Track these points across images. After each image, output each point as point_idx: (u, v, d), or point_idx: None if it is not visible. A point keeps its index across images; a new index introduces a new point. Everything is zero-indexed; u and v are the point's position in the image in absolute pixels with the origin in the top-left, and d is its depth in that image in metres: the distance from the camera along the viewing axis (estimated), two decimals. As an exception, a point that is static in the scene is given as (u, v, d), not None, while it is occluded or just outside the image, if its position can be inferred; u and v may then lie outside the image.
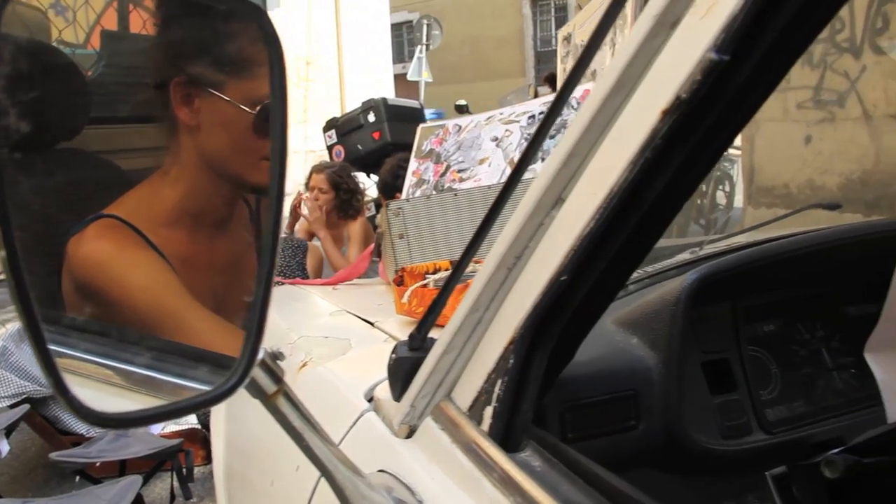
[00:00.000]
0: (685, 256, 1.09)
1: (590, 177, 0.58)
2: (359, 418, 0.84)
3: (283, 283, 2.06)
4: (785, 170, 4.61)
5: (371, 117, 4.73)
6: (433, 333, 0.75)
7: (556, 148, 0.60)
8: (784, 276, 1.01)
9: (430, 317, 0.75)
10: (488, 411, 0.66)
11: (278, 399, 0.58)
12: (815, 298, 1.05)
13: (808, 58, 4.41)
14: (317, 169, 3.57)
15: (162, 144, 0.82)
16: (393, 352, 0.76)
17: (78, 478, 2.71)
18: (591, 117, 0.57)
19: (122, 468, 2.68)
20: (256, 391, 0.57)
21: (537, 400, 0.68)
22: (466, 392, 0.69)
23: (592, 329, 0.95)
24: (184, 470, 2.75)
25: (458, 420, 0.68)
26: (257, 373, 0.56)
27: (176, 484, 2.75)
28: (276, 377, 0.58)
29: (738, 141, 5.38)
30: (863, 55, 4.26)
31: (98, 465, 2.62)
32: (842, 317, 1.07)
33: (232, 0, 0.66)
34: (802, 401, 1.01)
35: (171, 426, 2.98)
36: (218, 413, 1.44)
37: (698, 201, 6.63)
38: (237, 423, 1.30)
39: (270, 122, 0.58)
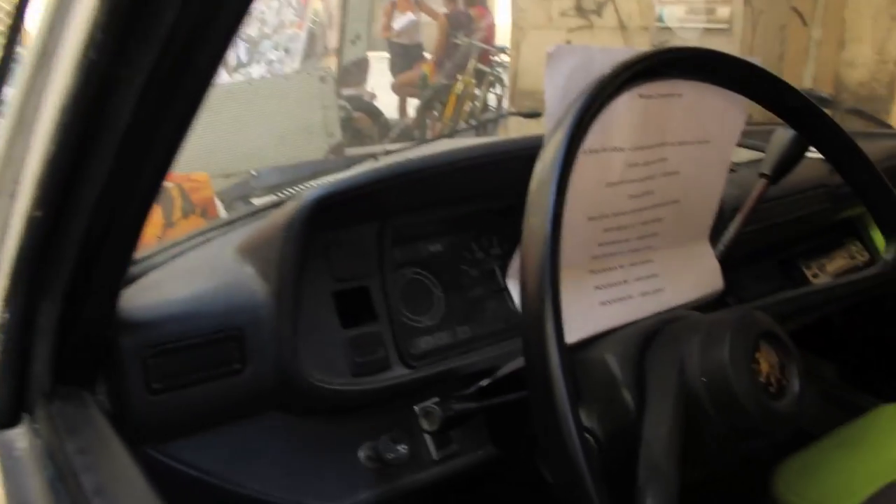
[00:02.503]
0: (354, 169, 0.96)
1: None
2: None
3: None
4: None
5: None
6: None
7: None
8: (452, 190, 0.89)
9: None
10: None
11: None
12: (493, 213, 0.95)
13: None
14: None
15: None
16: None
17: None
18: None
19: None
20: None
21: (57, 356, 0.52)
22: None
23: (207, 257, 0.81)
24: None
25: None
26: None
27: None
28: None
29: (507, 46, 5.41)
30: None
31: None
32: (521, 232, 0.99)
33: None
34: (469, 326, 0.92)
35: None
36: None
37: (470, 103, 6.65)
38: None
39: None
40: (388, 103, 6.92)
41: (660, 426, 0.61)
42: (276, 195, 1.06)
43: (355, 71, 6.03)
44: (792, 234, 1.24)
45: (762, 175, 0.97)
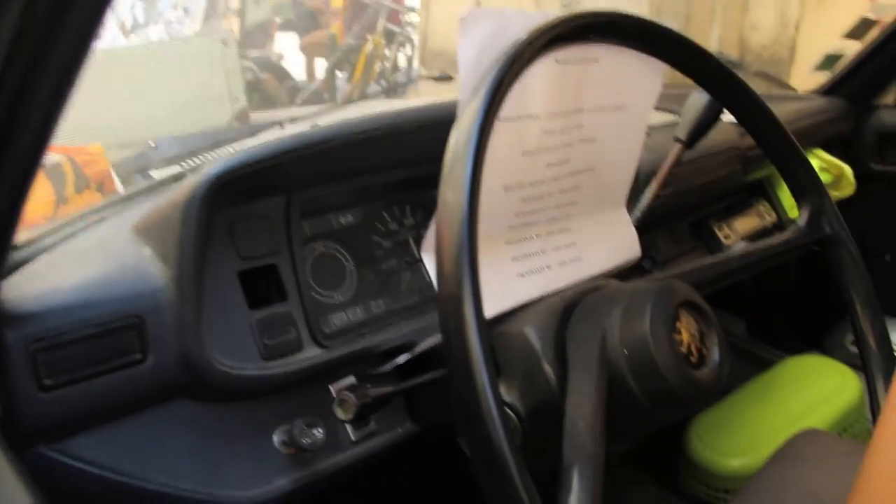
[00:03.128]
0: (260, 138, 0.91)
1: None
2: None
3: None
4: (457, 33, 4.60)
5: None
6: None
7: None
8: (361, 161, 0.85)
9: None
10: None
11: None
12: (406, 183, 0.92)
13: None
14: None
15: None
16: None
17: None
18: None
19: None
20: None
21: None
22: None
23: (101, 238, 0.75)
24: None
25: None
26: None
27: None
28: None
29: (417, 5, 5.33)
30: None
31: None
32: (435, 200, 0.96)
33: None
34: (383, 300, 0.89)
35: None
36: None
37: (380, 64, 6.53)
38: None
39: None
40: (297, 64, 6.74)
41: (583, 402, 0.59)
42: (178, 167, 1.00)
43: (259, 33, 5.83)
44: (704, 197, 1.25)
45: (677, 140, 0.97)
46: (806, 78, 1.93)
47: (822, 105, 1.80)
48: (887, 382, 0.75)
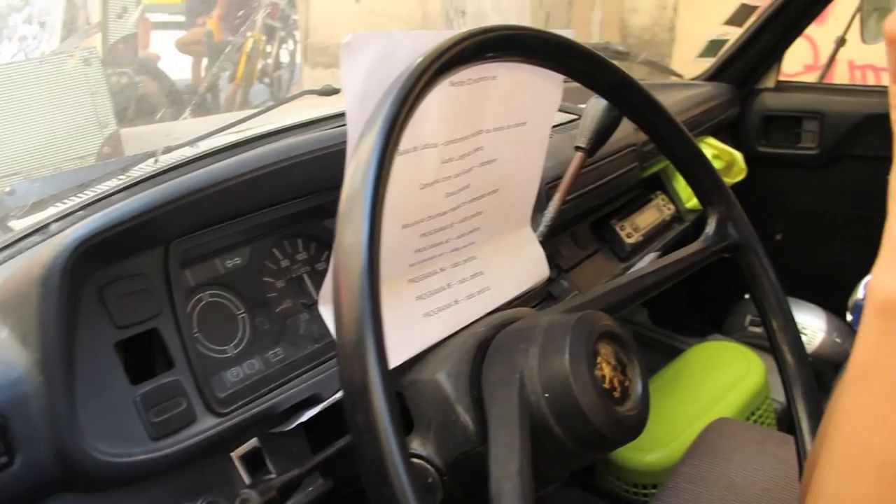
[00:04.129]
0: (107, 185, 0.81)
1: None
2: None
3: None
4: (339, 28, 4.50)
5: None
6: None
7: None
8: (245, 202, 0.77)
9: None
10: None
11: None
12: (295, 216, 0.84)
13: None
14: None
15: None
16: None
17: None
18: None
19: None
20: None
21: None
22: None
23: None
24: None
25: None
26: None
27: None
28: None
29: (296, -2, 5.18)
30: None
31: None
32: (329, 231, 0.88)
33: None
34: (281, 347, 0.81)
35: None
36: None
37: (262, 61, 6.35)
38: None
39: None
40: (179, 65, 6.47)
41: (507, 460, 0.54)
42: (42, 212, 0.87)
43: (124, 49, 5.54)
44: (605, 197, 1.23)
45: (578, 148, 0.93)
46: (687, 59, 1.95)
47: (710, 91, 1.81)
48: (804, 388, 0.74)
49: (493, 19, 3.62)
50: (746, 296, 2.02)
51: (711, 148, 1.63)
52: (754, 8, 1.78)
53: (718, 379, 1.63)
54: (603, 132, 0.91)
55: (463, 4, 3.32)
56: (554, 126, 1.20)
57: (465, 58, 0.55)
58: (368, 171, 0.45)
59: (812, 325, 1.89)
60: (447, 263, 0.73)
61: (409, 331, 0.68)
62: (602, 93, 0.70)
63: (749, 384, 1.62)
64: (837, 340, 1.88)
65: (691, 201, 1.54)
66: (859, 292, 1.67)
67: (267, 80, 6.51)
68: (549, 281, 1.06)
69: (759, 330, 1.93)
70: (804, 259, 1.88)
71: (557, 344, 0.58)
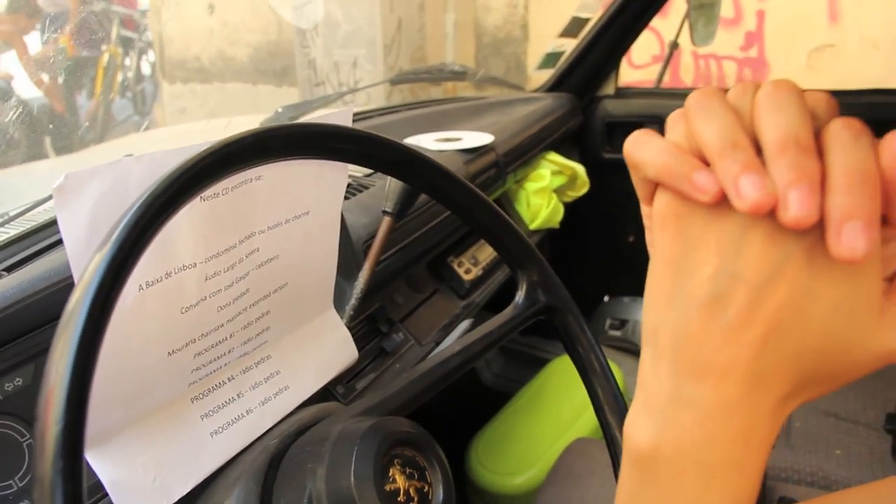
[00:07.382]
0: None
1: None
2: None
3: None
4: (194, 41, 4.34)
5: None
6: None
7: None
8: (20, 326, 0.70)
9: None
10: None
11: None
12: None
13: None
14: None
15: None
16: None
17: None
18: None
19: None
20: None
21: None
22: None
23: None
24: None
25: None
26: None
27: None
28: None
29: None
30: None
31: None
32: None
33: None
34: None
35: None
36: None
37: (122, 75, 6.08)
38: None
39: None
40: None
41: None
42: None
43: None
44: (436, 237, 1.21)
45: (385, 213, 0.90)
46: (542, 54, 1.96)
47: (551, 103, 1.82)
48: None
49: (344, 28, 3.55)
50: (606, 298, 2.06)
51: (552, 164, 1.64)
52: (586, 20, 1.79)
53: (576, 395, 1.65)
54: (410, 193, 0.89)
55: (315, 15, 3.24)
56: (367, 175, 1.17)
57: (204, 179, 0.51)
58: (68, 354, 0.40)
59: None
60: (237, 370, 0.70)
61: (195, 454, 0.64)
62: (389, 172, 0.67)
63: (607, 395, 1.64)
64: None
65: (535, 222, 1.54)
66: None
67: (129, 93, 6.25)
68: (382, 335, 1.04)
69: (618, 333, 1.97)
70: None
71: (343, 463, 0.56)
